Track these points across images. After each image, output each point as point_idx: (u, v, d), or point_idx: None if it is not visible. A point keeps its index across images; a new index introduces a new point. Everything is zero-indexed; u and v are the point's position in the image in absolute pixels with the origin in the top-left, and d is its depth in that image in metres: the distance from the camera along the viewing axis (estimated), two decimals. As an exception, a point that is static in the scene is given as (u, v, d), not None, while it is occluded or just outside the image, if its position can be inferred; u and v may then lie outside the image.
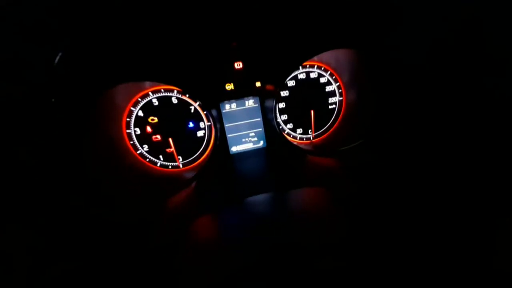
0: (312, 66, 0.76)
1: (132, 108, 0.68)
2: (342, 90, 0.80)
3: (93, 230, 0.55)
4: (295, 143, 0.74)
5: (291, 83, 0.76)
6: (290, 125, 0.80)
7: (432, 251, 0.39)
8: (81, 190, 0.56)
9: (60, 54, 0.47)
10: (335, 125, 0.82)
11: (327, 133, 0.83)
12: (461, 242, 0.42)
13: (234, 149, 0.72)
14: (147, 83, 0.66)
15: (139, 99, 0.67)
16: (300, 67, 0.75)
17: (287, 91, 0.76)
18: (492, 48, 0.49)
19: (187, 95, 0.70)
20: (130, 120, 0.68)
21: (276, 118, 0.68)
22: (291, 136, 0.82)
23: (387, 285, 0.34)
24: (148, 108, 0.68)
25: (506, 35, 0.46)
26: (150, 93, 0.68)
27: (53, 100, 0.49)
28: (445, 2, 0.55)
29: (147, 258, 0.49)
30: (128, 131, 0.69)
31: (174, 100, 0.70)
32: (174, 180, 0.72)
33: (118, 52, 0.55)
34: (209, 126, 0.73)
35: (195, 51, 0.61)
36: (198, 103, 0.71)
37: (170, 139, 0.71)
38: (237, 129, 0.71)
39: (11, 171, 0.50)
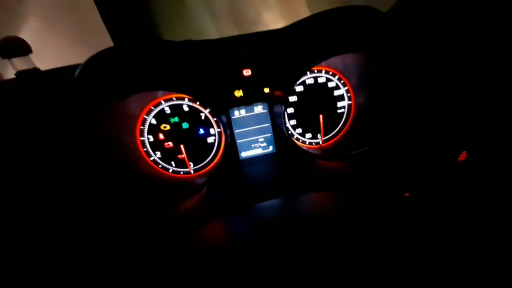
0: (320, 71, 0.76)
1: (145, 117, 0.70)
2: (351, 94, 0.80)
3: (106, 235, 0.57)
4: (304, 148, 0.74)
5: (299, 88, 0.76)
6: (299, 130, 0.80)
7: (434, 251, 0.39)
8: (95, 195, 0.58)
9: (80, 68, 0.49)
10: (344, 129, 0.82)
11: (337, 137, 0.83)
12: (462, 242, 0.41)
13: (244, 154, 0.74)
14: (160, 92, 0.68)
15: (152, 108, 0.70)
16: (308, 72, 0.76)
17: (296, 96, 0.77)
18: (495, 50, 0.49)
19: (198, 103, 0.71)
20: (144, 128, 0.71)
21: (285, 123, 0.69)
22: (300, 141, 0.82)
23: (389, 284, 0.34)
24: (160, 116, 0.71)
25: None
26: (163, 102, 0.70)
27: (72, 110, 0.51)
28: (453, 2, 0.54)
29: (158, 262, 0.50)
30: (141, 138, 0.71)
31: (185, 108, 0.71)
32: (185, 186, 0.73)
33: (132, 64, 0.57)
34: (219, 132, 0.75)
35: (205, 60, 0.63)
36: (208, 110, 0.72)
37: (182, 146, 0.73)
38: (246, 134, 0.72)
39: (25, 175, 0.52)
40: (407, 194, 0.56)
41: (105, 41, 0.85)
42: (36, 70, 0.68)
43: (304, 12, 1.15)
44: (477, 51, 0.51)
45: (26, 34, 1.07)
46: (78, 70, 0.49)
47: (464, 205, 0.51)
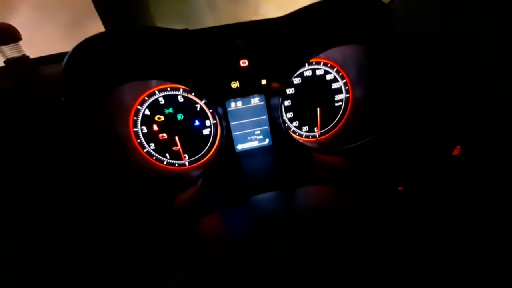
0: (318, 63, 0.75)
1: (138, 107, 0.68)
2: (349, 87, 0.79)
3: (101, 228, 0.56)
4: (300, 141, 0.73)
5: (297, 81, 0.75)
6: (295, 123, 0.80)
7: (434, 251, 0.39)
8: (89, 188, 0.57)
9: (68, 54, 0.47)
10: (341, 122, 0.82)
11: (333, 130, 0.82)
12: (461, 242, 0.41)
13: (240, 147, 0.73)
14: (153, 82, 0.67)
15: (146, 98, 0.68)
16: (306, 64, 0.74)
17: (293, 89, 0.76)
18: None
19: (193, 94, 0.70)
20: (137, 119, 0.69)
21: (281, 116, 0.68)
22: (297, 134, 0.81)
23: (388, 283, 0.34)
24: (154, 107, 0.69)
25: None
26: (157, 92, 0.68)
27: (62, 99, 0.50)
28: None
29: (154, 255, 0.49)
30: (135, 129, 0.70)
31: (180, 99, 0.70)
32: (180, 178, 0.73)
33: (125, 52, 0.56)
34: (215, 124, 0.74)
35: (201, 50, 0.61)
36: (203, 101, 0.71)
37: (177, 137, 0.72)
38: (242, 127, 0.71)
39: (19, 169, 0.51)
40: (400, 188, 0.56)
41: (98, 30, 0.82)
42: (25, 57, 0.66)
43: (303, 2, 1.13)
44: (473, 48, 0.50)
45: (16, 21, 1.04)
46: (66, 57, 0.48)
47: (463, 203, 0.51)
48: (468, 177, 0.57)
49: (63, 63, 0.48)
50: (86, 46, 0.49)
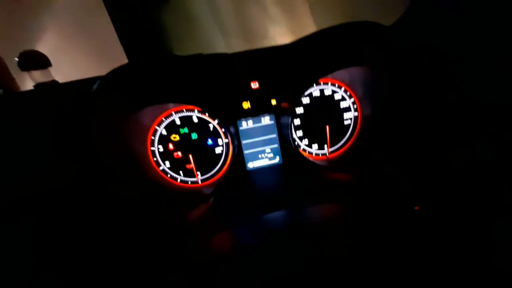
0: (326, 83, 0.78)
1: (156, 127, 0.72)
2: (357, 105, 0.80)
3: (114, 244, 0.58)
4: (311, 159, 0.75)
5: (305, 100, 0.78)
6: (305, 141, 0.81)
7: (434, 251, 0.39)
8: (105, 204, 0.59)
9: (97, 83, 0.52)
10: (351, 140, 0.83)
11: (343, 148, 0.83)
12: (462, 242, 0.41)
13: (251, 165, 0.74)
14: (171, 104, 0.71)
15: (163, 119, 0.72)
16: (314, 84, 0.77)
17: (302, 108, 0.78)
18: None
19: (207, 114, 0.73)
20: (154, 138, 0.73)
21: (291, 134, 0.70)
22: (307, 152, 0.83)
23: (389, 283, 0.34)
24: (171, 127, 0.73)
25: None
26: (173, 113, 0.72)
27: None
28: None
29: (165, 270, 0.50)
30: (152, 148, 0.73)
31: (195, 119, 0.73)
32: (193, 195, 0.74)
33: (147, 80, 0.60)
34: (227, 143, 0.76)
35: (214, 73, 0.65)
36: (216, 121, 0.74)
37: (190, 156, 0.75)
38: (253, 145, 0.73)
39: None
40: (417, 208, 0.56)
41: (119, 56, 0.89)
42: (54, 82, 0.72)
43: (309, 25, 1.18)
44: (474, 48, 0.51)
45: (42, 48, 1.13)
46: (95, 85, 0.52)
47: (463, 203, 0.51)
48: (469, 177, 0.56)
49: (93, 90, 0.52)
50: (113, 76, 0.53)
